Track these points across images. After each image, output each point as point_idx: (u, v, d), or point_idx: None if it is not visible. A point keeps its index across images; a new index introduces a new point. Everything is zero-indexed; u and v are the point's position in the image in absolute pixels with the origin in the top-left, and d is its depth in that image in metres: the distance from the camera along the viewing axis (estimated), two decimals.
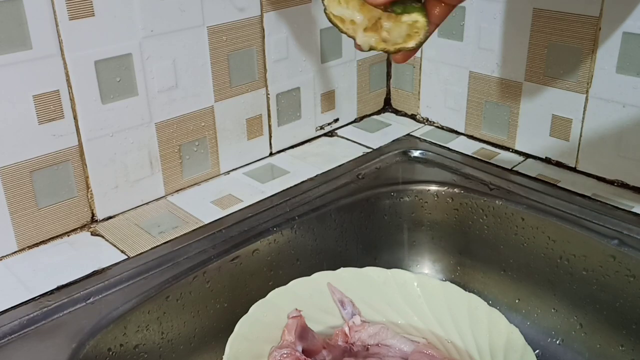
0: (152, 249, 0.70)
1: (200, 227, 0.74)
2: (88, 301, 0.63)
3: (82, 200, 0.74)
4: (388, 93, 1.07)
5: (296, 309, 0.64)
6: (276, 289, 0.66)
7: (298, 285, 0.67)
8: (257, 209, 0.78)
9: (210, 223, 0.75)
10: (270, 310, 0.64)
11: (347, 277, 0.70)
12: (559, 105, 0.84)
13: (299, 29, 0.89)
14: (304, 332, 0.62)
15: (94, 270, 0.66)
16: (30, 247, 0.71)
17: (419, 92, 1.02)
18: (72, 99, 0.70)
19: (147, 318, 0.64)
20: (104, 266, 0.67)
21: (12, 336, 0.58)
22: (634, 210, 0.76)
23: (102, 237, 0.73)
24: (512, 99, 0.90)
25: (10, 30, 0.63)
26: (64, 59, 0.68)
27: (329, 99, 0.98)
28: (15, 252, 0.70)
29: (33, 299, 0.62)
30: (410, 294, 0.70)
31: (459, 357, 0.64)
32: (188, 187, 0.83)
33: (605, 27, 0.77)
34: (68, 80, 0.69)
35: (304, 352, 0.61)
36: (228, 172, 0.88)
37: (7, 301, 0.62)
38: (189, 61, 0.78)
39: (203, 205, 0.79)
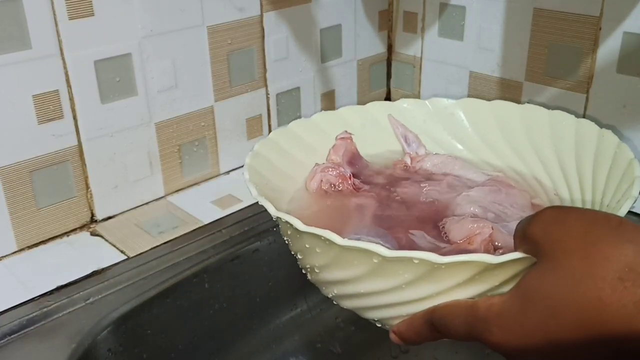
0: (152, 249, 0.70)
1: (200, 227, 0.74)
2: (88, 301, 0.63)
3: (82, 200, 0.74)
4: (388, 93, 1.07)
5: (346, 131, 0.58)
6: (323, 112, 0.59)
7: (347, 111, 0.61)
8: (257, 209, 0.77)
9: (210, 223, 0.75)
10: (311, 130, 0.58)
11: (407, 108, 0.62)
12: (559, 105, 0.84)
13: (299, 29, 0.89)
14: (354, 158, 0.56)
15: (94, 271, 0.66)
16: (29, 247, 0.71)
17: (419, 92, 1.02)
18: (71, 99, 0.69)
19: (147, 318, 0.64)
20: (103, 266, 0.67)
21: (12, 336, 0.58)
22: (633, 210, 0.75)
23: (102, 237, 0.73)
24: (512, 99, 0.89)
25: (9, 30, 0.63)
26: (63, 58, 0.68)
27: (329, 99, 0.98)
28: (15, 252, 0.70)
29: (33, 299, 0.62)
30: (485, 124, 0.60)
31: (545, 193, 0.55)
32: (188, 187, 0.83)
33: (605, 27, 0.77)
34: (68, 80, 0.69)
35: (354, 176, 0.55)
36: (228, 172, 0.87)
37: (7, 301, 0.62)
38: (188, 61, 0.78)
39: (203, 205, 0.79)
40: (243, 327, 0.73)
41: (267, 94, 0.89)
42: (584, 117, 0.82)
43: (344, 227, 0.49)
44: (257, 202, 0.80)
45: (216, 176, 0.86)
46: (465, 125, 0.62)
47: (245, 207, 0.78)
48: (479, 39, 0.91)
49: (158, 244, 0.71)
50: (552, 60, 0.83)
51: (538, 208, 0.50)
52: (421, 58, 1.00)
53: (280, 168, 0.55)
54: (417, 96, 1.02)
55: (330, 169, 0.54)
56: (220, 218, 0.76)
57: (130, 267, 0.67)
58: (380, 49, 1.03)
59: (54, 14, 0.66)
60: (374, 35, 1.01)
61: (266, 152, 0.55)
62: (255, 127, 0.89)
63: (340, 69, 0.97)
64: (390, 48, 1.04)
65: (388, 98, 1.07)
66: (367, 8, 0.98)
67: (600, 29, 0.77)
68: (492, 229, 0.45)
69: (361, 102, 1.03)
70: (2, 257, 0.69)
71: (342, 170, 0.54)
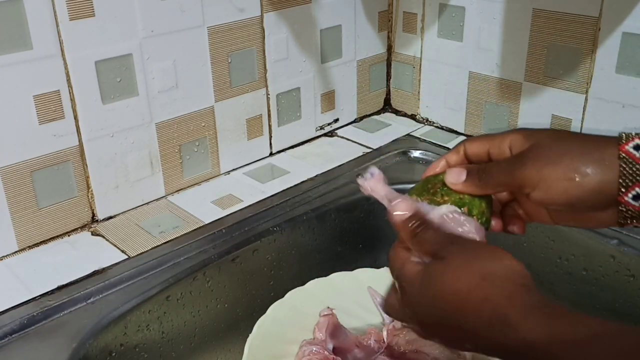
0: (152, 248, 0.70)
1: (200, 227, 0.74)
2: (88, 301, 0.63)
3: (83, 200, 0.74)
4: (388, 93, 1.07)
5: (328, 307, 0.63)
6: (295, 289, 0.65)
7: (316, 284, 0.67)
8: (257, 209, 0.78)
9: (210, 223, 0.75)
10: (304, 301, 0.64)
11: (363, 279, 0.69)
12: (559, 105, 0.85)
13: (299, 29, 0.89)
14: (335, 330, 0.62)
15: (95, 270, 0.67)
16: (30, 247, 0.71)
17: (418, 92, 1.02)
18: (72, 99, 0.70)
19: (147, 318, 0.64)
20: (104, 266, 0.67)
21: (13, 336, 0.58)
22: None
23: (103, 237, 0.73)
24: (511, 99, 0.90)
25: (10, 31, 0.63)
26: (64, 59, 0.68)
27: (329, 99, 0.98)
28: (16, 252, 0.70)
29: (33, 299, 0.63)
30: None
31: None
32: (188, 187, 0.83)
33: (604, 27, 0.77)
34: (68, 81, 0.69)
35: (335, 350, 0.61)
36: (228, 172, 0.88)
37: (7, 301, 0.62)
38: (189, 61, 0.78)
39: (203, 205, 0.79)
40: (243, 327, 0.74)
41: (267, 94, 0.89)
42: (582, 118, 0.82)
43: None
44: (258, 202, 0.80)
45: (216, 176, 0.86)
46: None
47: (245, 207, 0.78)
48: (479, 39, 0.91)
49: (159, 243, 0.71)
50: (551, 61, 0.83)
51: None
52: (421, 58, 1.00)
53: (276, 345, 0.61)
54: (417, 97, 1.02)
55: (315, 352, 0.59)
56: (221, 218, 0.76)
57: (131, 266, 0.67)
58: (380, 49, 1.03)
59: (55, 15, 0.66)
60: (373, 36, 1.01)
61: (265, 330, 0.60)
62: (255, 127, 0.89)
63: (340, 69, 0.98)
64: (390, 48, 1.04)
65: (388, 98, 1.07)
66: (367, 9, 0.98)
67: (599, 29, 0.78)
68: None
69: (361, 102, 1.03)
70: (3, 256, 0.69)
71: (326, 354, 0.59)
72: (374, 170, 0.50)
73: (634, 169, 0.40)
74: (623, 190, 0.41)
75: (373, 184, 0.50)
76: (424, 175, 0.51)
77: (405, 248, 0.46)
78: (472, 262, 0.41)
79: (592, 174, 0.41)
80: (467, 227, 0.46)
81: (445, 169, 0.50)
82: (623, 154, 0.41)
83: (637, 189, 0.40)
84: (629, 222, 0.42)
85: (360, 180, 0.50)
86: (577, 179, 0.41)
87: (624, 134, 0.42)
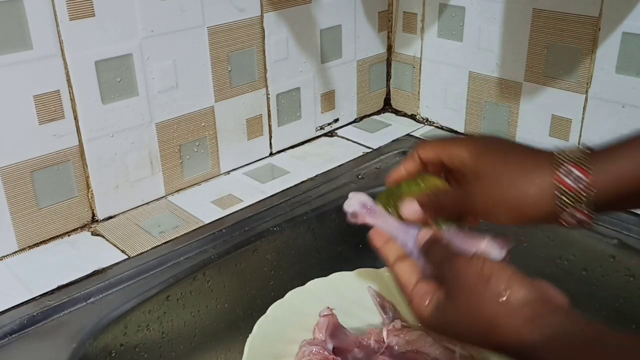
0: (152, 248, 0.70)
1: (200, 227, 0.74)
2: (88, 301, 0.63)
3: (83, 200, 0.74)
4: (388, 93, 1.07)
5: (328, 307, 0.63)
6: (295, 289, 0.65)
7: (320, 284, 0.67)
8: (257, 209, 0.78)
9: (210, 223, 0.75)
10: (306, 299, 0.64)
11: (363, 279, 0.69)
12: (559, 106, 0.85)
13: (299, 29, 0.89)
14: (335, 330, 0.62)
15: (95, 270, 0.67)
16: (30, 247, 0.71)
17: (418, 92, 1.02)
18: (72, 99, 0.70)
19: (147, 318, 0.64)
20: (104, 266, 0.67)
21: (13, 336, 0.58)
22: (633, 210, 0.76)
23: (103, 237, 0.73)
24: (511, 99, 0.90)
25: (10, 31, 0.63)
26: (64, 59, 0.68)
27: (329, 99, 0.98)
28: (16, 252, 0.70)
29: (33, 299, 0.63)
30: None
31: None
32: (188, 187, 0.84)
33: (604, 27, 0.77)
34: (68, 81, 0.69)
35: (335, 350, 0.61)
36: (228, 172, 0.88)
37: (7, 301, 0.62)
38: (189, 61, 0.78)
39: (203, 205, 0.79)
40: (243, 327, 0.74)
41: (267, 94, 0.89)
42: (582, 118, 0.82)
43: None
44: (258, 202, 0.80)
45: (216, 176, 0.86)
46: None
47: (246, 207, 0.78)
48: (478, 39, 0.91)
49: (159, 243, 0.71)
50: (551, 61, 0.83)
51: None
52: (421, 58, 1.00)
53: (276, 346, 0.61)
54: (417, 97, 1.02)
55: (315, 353, 0.59)
56: (221, 218, 0.76)
57: (130, 266, 0.67)
58: (380, 49, 1.03)
59: (55, 15, 0.66)
60: (373, 36, 1.01)
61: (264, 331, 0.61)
62: (255, 127, 0.89)
63: (340, 69, 0.98)
64: (390, 48, 1.04)
65: (388, 98, 1.07)
66: (367, 9, 0.98)
67: (599, 29, 0.78)
68: None
69: (361, 102, 1.03)
70: (3, 256, 0.69)
71: (326, 354, 0.59)
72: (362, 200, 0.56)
73: (569, 196, 0.45)
74: (559, 212, 0.46)
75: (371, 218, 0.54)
76: (387, 183, 0.56)
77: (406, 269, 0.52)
78: (474, 307, 0.43)
79: (532, 212, 0.47)
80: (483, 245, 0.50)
81: (405, 177, 0.55)
82: (557, 184, 0.45)
83: (573, 212, 0.45)
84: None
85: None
86: (520, 218, 0.47)
87: (555, 158, 0.46)
